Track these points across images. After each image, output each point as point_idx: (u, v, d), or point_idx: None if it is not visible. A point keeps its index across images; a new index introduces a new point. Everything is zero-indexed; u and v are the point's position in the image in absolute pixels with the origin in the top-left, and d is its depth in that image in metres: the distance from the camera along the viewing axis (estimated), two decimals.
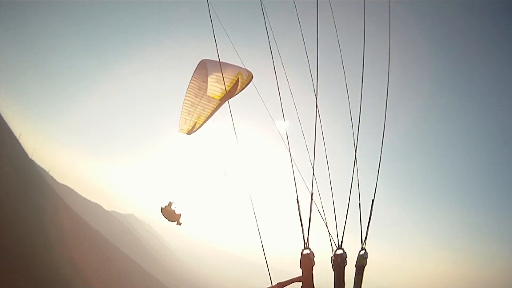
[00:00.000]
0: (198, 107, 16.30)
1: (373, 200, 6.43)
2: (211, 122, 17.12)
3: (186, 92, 16.29)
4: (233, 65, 15.47)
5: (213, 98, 15.75)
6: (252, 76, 15.55)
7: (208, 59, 15.84)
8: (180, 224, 17.02)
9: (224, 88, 15.10)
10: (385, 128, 7.04)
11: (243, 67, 15.49)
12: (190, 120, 16.83)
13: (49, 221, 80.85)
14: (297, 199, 6.35)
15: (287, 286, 6.10)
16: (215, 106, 16.04)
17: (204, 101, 16.04)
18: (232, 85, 15.23)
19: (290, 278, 6.22)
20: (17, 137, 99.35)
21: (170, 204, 16.87)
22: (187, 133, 17.36)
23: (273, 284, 6.12)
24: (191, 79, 16.14)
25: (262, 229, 7.66)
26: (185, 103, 16.45)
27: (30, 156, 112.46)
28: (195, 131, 17.23)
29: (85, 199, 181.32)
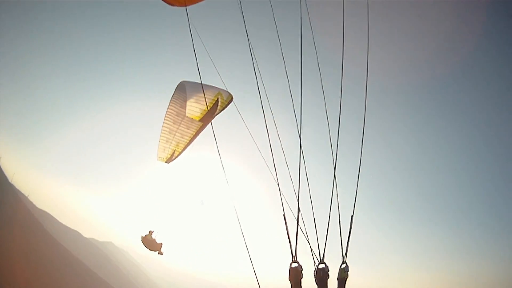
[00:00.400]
0: (177, 134, 15.65)
1: (352, 216, 7.02)
2: (190, 150, 16.50)
3: (164, 119, 15.64)
4: (213, 86, 15.08)
5: (191, 123, 15.19)
6: (232, 98, 15.07)
7: (186, 81, 15.35)
8: (161, 254, 16.23)
9: (204, 108, 14.64)
10: (362, 148, 7.86)
11: (223, 89, 15.05)
12: (169, 148, 16.15)
13: (27, 246, 78.83)
14: (283, 215, 6.91)
15: None
16: (194, 133, 15.43)
17: (183, 127, 15.42)
18: (211, 105, 14.77)
19: None
20: None
21: (150, 233, 16.08)
22: (165, 162, 16.63)
23: None
24: (169, 104, 15.51)
25: (250, 249, 7.95)
26: (163, 130, 15.80)
27: (10, 180, 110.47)
28: (174, 159, 16.51)
29: (64, 225, 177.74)
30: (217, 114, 15.06)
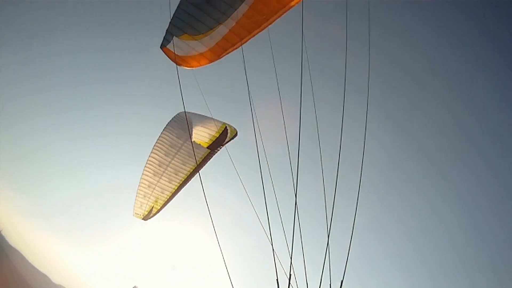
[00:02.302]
0: (156, 188, 13.82)
1: (342, 281, 7.18)
2: (171, 206, 14.65)
3: (145, 168, 13.71)
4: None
5: (175, 175, 13.41)
6: (237, 132, 13.31)
7: (187, 112, 13.39)
8: None
9: (214, 134, 12.97)
10: (356, 212, 8.13)
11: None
12: (146, 204, 14.28)
13: None
14: (277, 280, 7.10)
15: None
16: (176, 187, 13.62)
17: (164, 181, 13.61)
18: (221, 132, 13.11)
19: None
20: None
21: None
22: (142, 219, 14.74)
23: None
24: (154, 145, 13.55)
25: None
26: (142, 183, 13.95)
27: None
28: (151, 216, 14.61)
29: (34, 267, 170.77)
30: (224, 145, 13.26)
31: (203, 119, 13.01)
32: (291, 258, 7.50)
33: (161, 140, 13.29)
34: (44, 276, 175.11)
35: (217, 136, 12.93)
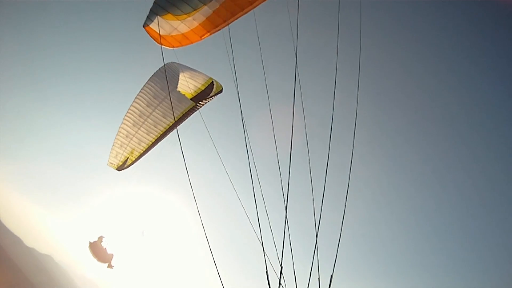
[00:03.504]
0: (133, 139, 13.64)
1: (331, 276, 7.18)
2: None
3: (124, 117, 13.40)
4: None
5: (154, 127, 13.20)
6: (222, 88, 13.24)
7: (175, 63, 12.84)
8: (111, 267, 13.36)
9: (199, 85, 12.71)
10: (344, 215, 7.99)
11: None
12: (122, 154, 14.07)
13: None
14: (266, 271, 7.14)
15: None
16: (153, 140, 13.45)
17: (142, 132, 13.43)
18: (207, 85, 12.89)
19: None
20: None
21: (100, 239, 13.35)
22: (116, 169, 14.57)
23: None
24: (141, 89, 13.10)
25: None
26: (120, 132, 13.72)
27: None
28: (126, 167, 14.44)
29: (7, 229, 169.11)
30: (208, 101, 13.19)
31: (191, 71, 12.88)
32: (282, 251, 7.42)
33: (144, 90, 13.03)
34: (17, 238, 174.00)
35: (202, 88, 12.73)
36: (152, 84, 12.95)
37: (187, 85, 12.52)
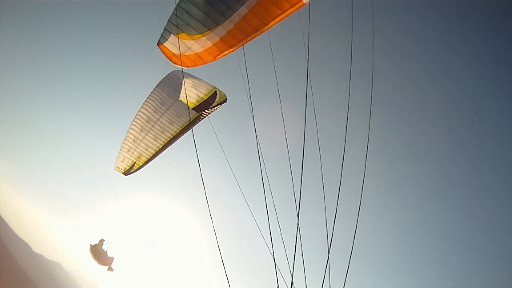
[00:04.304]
0: (141, 144, 13.81)
1: None
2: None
3: (132, 122, 13.71)
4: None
5: (161, 133, 13.33)
6: (226, 98, 13.25)
7: (181, 71, 12.92)
8: (111, 270, 13.60)
9: (200, 96, 12.73)
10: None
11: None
12: (129, 158, 14.26)
13: None
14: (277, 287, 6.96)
15: None
16: (160, 146, 13.57)
17: (150, 138, 13.59)
18: (210, 95, 12.89)
19: None
20: None
21: (101, 242, 13.59)
22: (123, 173, 14.72)
23: None
24: (149, 96, 13.33)
25: None
26: (127, 137, 13.93)
27: None
28: (132, 172, 14.59)
29: (16, 234, 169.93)
30: (212, 110, 13.17)
31: (195, 80, 13.04)
32: (293, 266, 7.38)
33: (152, 96, 13.27)
34: (25, 244, 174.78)
35: (205, 98, 12.79)
36: (159, 90, 13.17)
37: (190, 94, 12.66)
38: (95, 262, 13.43)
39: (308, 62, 8.21)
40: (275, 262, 7.37)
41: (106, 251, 13.48)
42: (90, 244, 13.43)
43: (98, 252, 13.36)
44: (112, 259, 13.54)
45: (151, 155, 13.97)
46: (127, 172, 14.51)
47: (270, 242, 7.70)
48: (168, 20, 9.71)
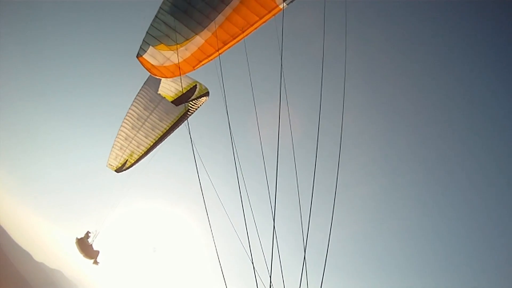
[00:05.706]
0: (133, 142, 14.13)
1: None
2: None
3: (123, 120, 14.01)
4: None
5: (152, 131, 13.59)
6: (209, 92, 13.31)
7: None
8: (97, 264, 13.90)
9: (180, 89, 12.67)
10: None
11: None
12: (121, 156, 14.56)
13: None
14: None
15: None
16: (152, 143, 13.88)
17: (141, 135, 13.90)
18: (189, 88, 12.92)
19: None
20: None
21: (87, 235, 13.83)
22: (115, 170, 15.04)
23: None
24: (136, 96, 13.63)
25: None
26: (119, 135, 14.25)
27: None
28: (124, 169, 14.89)
29: (16, 244, 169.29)
30: (192, 100, 13.20)
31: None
32: (270, 270, 7.36)
33: (141, 94, 13.52)
34: (26, 253, 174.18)
35: (184, 92, 12.79)
36: (148, 88, 13.47)
37: (171, 89, 12.76)
38: (81, 255, 13.72)
39: (282, 66, 8.47)
40: (252, 263, 7.49)
41: (91, 245, 13.73)
42: (76, 237, 13.71)
43: (83, 245, 13.63)
44: (97, 252, 13.82)
45: (143, 152, 14.27)
46: (119, 170, 14.80)
47: (248, 243, 7.74)
48: (147, 32, 9.76)
